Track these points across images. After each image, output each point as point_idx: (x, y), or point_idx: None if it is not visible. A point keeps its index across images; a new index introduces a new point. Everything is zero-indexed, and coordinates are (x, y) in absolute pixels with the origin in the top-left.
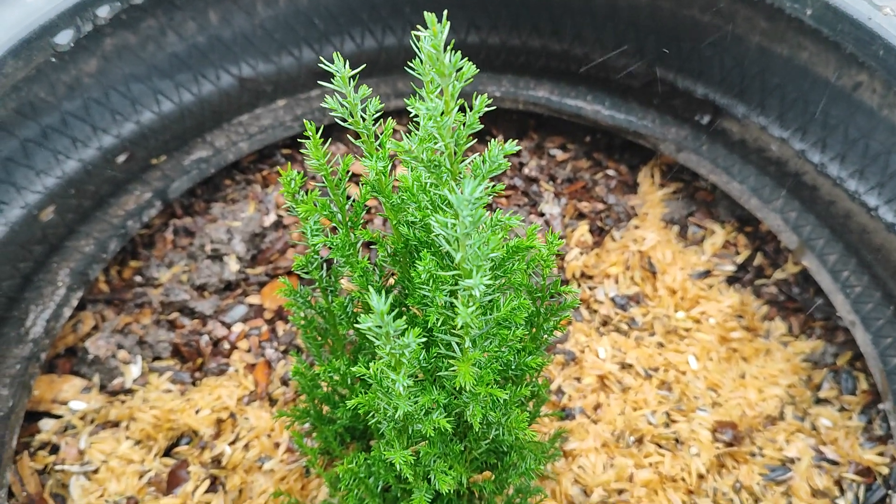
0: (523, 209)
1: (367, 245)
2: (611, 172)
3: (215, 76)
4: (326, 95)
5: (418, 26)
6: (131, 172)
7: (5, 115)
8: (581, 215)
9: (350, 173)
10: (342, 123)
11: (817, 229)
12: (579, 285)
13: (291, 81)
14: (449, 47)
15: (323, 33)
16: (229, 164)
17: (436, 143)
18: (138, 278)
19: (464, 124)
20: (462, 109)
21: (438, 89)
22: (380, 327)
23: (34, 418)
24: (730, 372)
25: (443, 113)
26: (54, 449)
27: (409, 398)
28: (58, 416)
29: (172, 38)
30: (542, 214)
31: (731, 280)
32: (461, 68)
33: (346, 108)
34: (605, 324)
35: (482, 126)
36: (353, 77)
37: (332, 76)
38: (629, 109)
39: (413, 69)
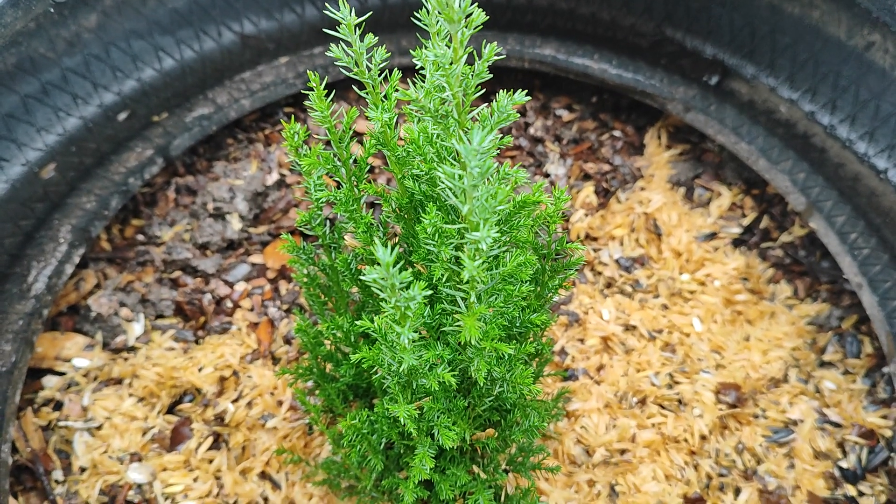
0: (528, 170)
1: (370, 205)
2: (617, 133)
3: (217, 33)
4: (331, 44)
5: None
6: (133, 130)
7: (5, 70)
8: (586, 176)
9: (353, 130)
10: (347, 74)
11: (825, 191)
12: (585, 246)
13: (294, 39)
14: None
15: None
16: (231, 121)
17: (443, 93)
18: (140, 237)
19: (472, 74)
20: (469, 62)
21: (446, 39)
22: (385, 279)
23: (37, 375)
24: (734, 334)
25: (452, 62)
26: (58, 405)
27: (414, 352)
28: (61, 373)
29: None
30: (547, 175)
31: (737, 242)
32: (470, 14)
33: (352, 57)
34: (609, 286)
35: (491, 75)
36: (360, 25)
37: (338, 25)
38: (637, 69)
39: (419, 20)
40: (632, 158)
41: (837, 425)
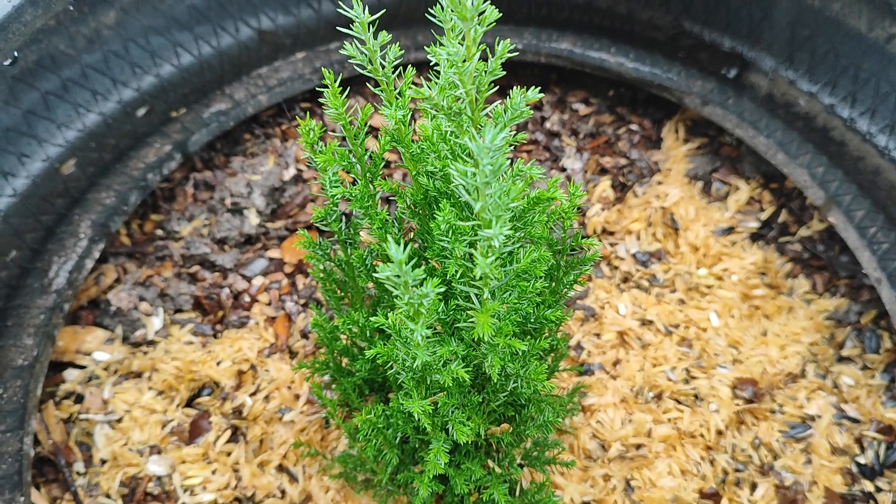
0: (545, 164)
1: (386, 200)
2: (634, 127)
3: (234, 28)
4: (345, 42)
5: None
6: (151, 125)
7: (26, 67)
8: (603, 171)
9: (368, 126)
10: (361, 71)
11: (844, 185)
12: (600, 241)
13: (310, 34)
14: None
15: None
16: (249, 117)
17: (457, 91)
18: (159, 232)
19: (485, 71)
20: (484, 58)
21: (460, 36)
22: (398, 276)
23: (59, 368)
24: (751, 329)
25: (465, 59)
26: (79, 398)
27: (428, 348)
28: (82, 367)
29: None
30: (563, 170)
31: (755, 237)
32: (483, 12)
33: (366, 55)
34: (625, 280)
35: (504, 72)
36: (373, 23)
37: (351, 23)
38: (654, 62)
39: (433, 16)
40: (649, 152)
41: (855, 421)
